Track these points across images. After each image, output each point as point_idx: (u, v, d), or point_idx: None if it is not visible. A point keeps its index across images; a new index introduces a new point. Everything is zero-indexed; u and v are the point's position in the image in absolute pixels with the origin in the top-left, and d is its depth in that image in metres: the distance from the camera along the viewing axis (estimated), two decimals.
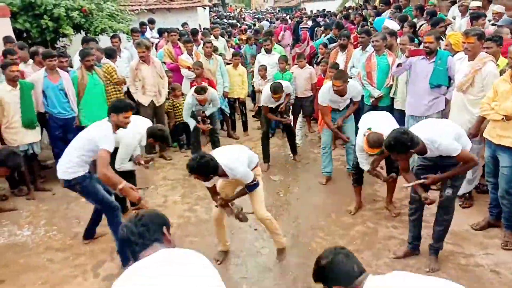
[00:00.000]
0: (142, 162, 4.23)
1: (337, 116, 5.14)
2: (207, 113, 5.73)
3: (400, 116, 5.23)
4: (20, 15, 6.47)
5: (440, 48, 4.91)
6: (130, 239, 1.66)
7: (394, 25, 6.63)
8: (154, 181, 5.56)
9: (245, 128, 7.51)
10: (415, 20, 7.09)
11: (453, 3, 7.75)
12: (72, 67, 5.85)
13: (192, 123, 5.70)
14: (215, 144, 5.88)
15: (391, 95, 5.43)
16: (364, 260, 3.70)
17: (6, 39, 5.79)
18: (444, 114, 4.82)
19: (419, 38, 6.20)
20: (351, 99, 5.04)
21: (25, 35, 6.88)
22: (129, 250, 1.68)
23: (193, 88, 5.53)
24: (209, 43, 6.87)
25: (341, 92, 4.79)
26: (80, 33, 7.36)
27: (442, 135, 3.12)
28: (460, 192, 4.43)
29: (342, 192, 5.01)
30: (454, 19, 7.01)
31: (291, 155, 6.18)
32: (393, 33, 5.76)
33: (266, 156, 5.91)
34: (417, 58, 4.75)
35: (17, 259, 3.93)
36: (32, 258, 3.94)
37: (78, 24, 6.89)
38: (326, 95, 4.91)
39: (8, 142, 4.82)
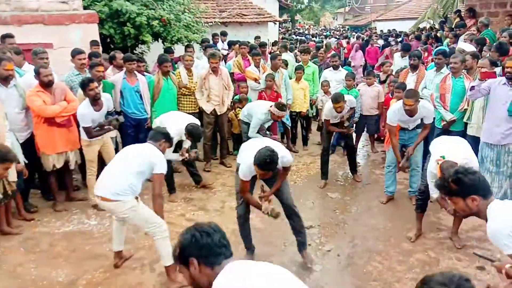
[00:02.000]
0: (186, 155, 4.82)
1: (405, 136, 4.99)
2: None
3: (474, 142, 4.92)
4: (107, 21, 7.02)
5: None
6: (213, 247, 1.66)
7: (469, 47, 6.31)
8: (213, 186, 5.70)
9: (305, 142, 7.49)
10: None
11: None
12: (148, 72, 6.22)
13: (252, 133, 5.42)
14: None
15: (465, 119, 5.15)
16: None
17: (92, 43, 6.31)
18: None
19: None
20: (421, 120, 4.86)
21: (108, 40, 7.44)
22: (205, 258, 1.65)
23: (273, 103, 5.33)
24: (280, 56, 6.99)
25: (412, 112, 4.62)
26: (158, 41, 7.82)
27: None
28: None
29: (403, 216, 4.80)
30: None
31: (350, 174, 6.04)
32: (475, 55, 5.47)
33: (324, 173, 5.81)
34: (497, 82, 4.49)
35: (83, 245, 4.20)
36: (96, 247, 4.20)
37: (157, 32, 7.33)
38: (395, 115, 4.78)
39: None
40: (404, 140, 5.06)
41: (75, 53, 5.32)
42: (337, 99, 5.22)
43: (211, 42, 8.85)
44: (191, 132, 4.79)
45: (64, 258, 3.98)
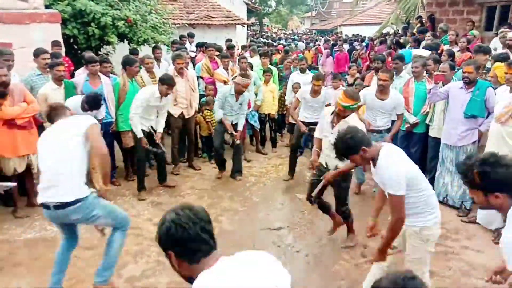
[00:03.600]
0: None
1: (376, 139, 5.10)
2: (237, 121, 5.87)
3: (434, 144, 5.16)
4: (70, 21, 6.80)
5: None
6: (190, 243, 1.50)
7: (425, 53, 6.60)
8: (182, 189, 5.64)
9: (273, 144, 7.54)
10: (447, 46, 7.07)
11: (497, 34, 7.64)
12: (114, 73, 6.07)
13: (219, 115, 5.77)
14: (238, 158, 6.08)
15: (427, 121, 5.35)
16: None
17: (54, 43, 6.10)
18: (481, 145, 4.71)
19: (456, 66, 6.13)
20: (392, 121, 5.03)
21: (72, 40, 7.22)
22: (184, 254, 1.50)
23: (235, 75, 5.72)
24: (244, 59, 7.01)
25: (384, 89, 4.81)
26: (124, 42, 7.66)
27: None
28: (493, 227, 4.30)
29: (369, 215, 4.91)
30: (496, 50, 6.88)
31: None
32: (436, 60, 5.71)
33: (291, 169, 6.02)
34: (455, 86, 4.73)
35: (47, 253, 4.04)
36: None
37: (123, 33, 7.17)
38: (368, 93, 5.02)
39: None
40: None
41: (39, 52, 5.15)
42: (318, 77, 5.57)
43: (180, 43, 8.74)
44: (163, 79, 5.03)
45: (26, 266, 3.82)
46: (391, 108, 4.95)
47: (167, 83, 5.02)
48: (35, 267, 3.81)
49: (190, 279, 1.49)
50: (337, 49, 12.95)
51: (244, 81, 5.48)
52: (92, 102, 4.36)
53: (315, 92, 5.59)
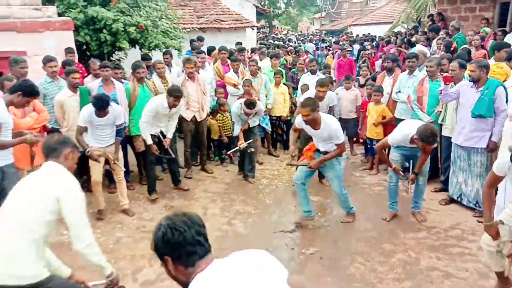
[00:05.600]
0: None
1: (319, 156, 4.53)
2: (250, 123, 5.97)
3: (448, 143, 5.10)
4: (82, 28, 6.90)
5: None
6: (186, 246, 1.55)
7: (424, 50, 6.54)
8: (194, 193, 5.67)
9: (286, 146, 7.52)
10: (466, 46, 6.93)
11: (504, 32, 7.52)
12: (126, 79, 6.14)
13: (237, 130, 5.84)
14: (251, 157, 6.06)
15: (439, 121, 5.29)
16: None
17: (67, 50, 6.19)
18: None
19: None
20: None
21: (84, 47, 7.32)
22: (177, 257, 1.55)
23: (243, 100, 5.67)
24: (254, 61, 7.02)
25: (309, 123, 4.13)
26: (135, 48, 7.74)
27: None
28: None
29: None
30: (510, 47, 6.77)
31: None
32: (451, 59, 5.64)
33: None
34: (465, 85, 4.68)
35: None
36: (75, 258, 4.05)
37: (134, 39, 7.24)
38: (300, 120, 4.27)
39: None
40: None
41: (46, 60, 5.22)
42: (323, 83, 5.41)
43: (190, 48, 8.79)
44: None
45: None
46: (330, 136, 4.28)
47: (174, 95, 4.95)
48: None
49: (186, 285, 1.52)
50: (341, 53, 11.12)
51: (246, 110, 5.56)
52: (100, 103, 4.45)
53: (319, 98, 5.37)
